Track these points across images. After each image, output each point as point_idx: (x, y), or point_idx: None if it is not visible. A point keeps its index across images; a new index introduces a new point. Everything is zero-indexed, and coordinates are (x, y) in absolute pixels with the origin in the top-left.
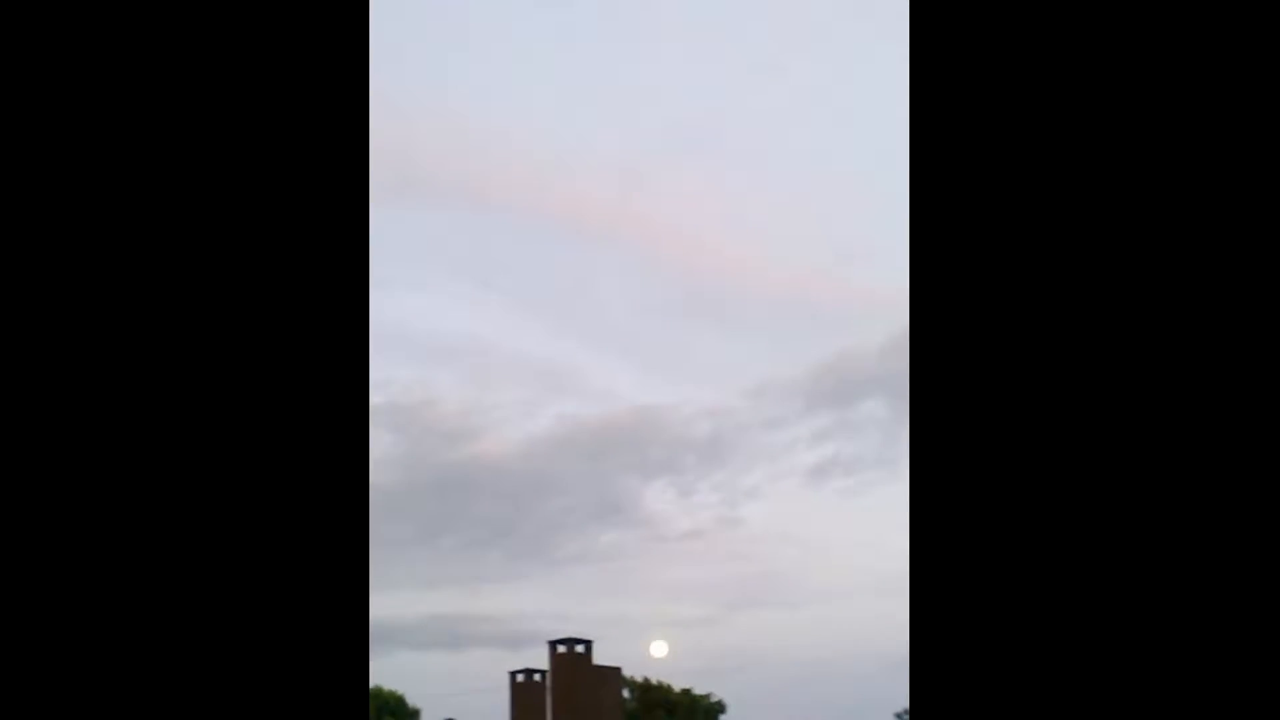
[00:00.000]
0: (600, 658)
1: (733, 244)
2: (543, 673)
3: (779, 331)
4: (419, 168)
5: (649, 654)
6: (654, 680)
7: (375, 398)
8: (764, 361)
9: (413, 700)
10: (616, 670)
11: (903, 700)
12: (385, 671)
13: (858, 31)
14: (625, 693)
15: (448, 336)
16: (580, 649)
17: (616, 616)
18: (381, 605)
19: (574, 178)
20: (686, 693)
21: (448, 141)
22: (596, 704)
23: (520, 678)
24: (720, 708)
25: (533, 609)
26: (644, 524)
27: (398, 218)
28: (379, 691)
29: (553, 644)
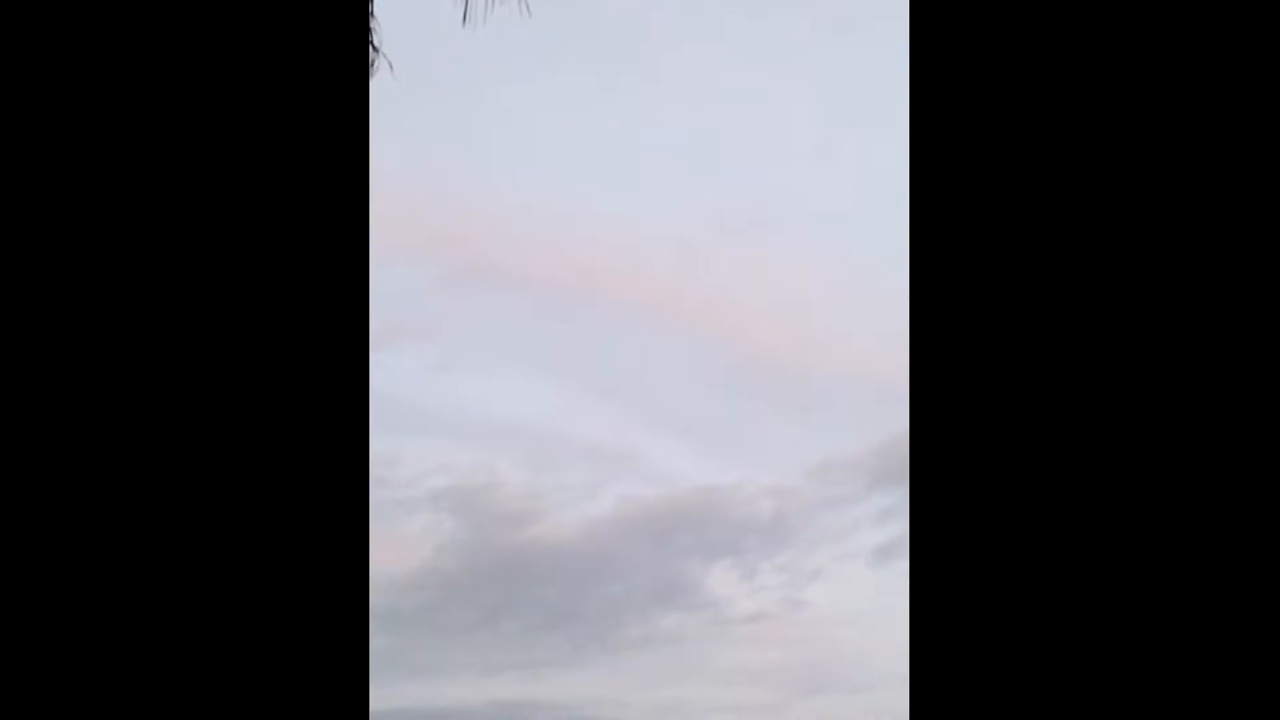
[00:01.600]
0: None
1: (790, 321)
2: None
3: (841, 409)
4: (478, 254)
5: None
6: None
7: (437, 481)
8: (826, 440)
9: None
10: None
11: None
12: None
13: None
14: None
15: (508, 420)
16: None
17: (678, 702)
18: (443, 691)
19: (629, 259)
20: None
21: (506, 227)
22: None
23: None
24: None
25: (594, 694)
26: (707, 607)
27: (458, 303)
28: None
29: None
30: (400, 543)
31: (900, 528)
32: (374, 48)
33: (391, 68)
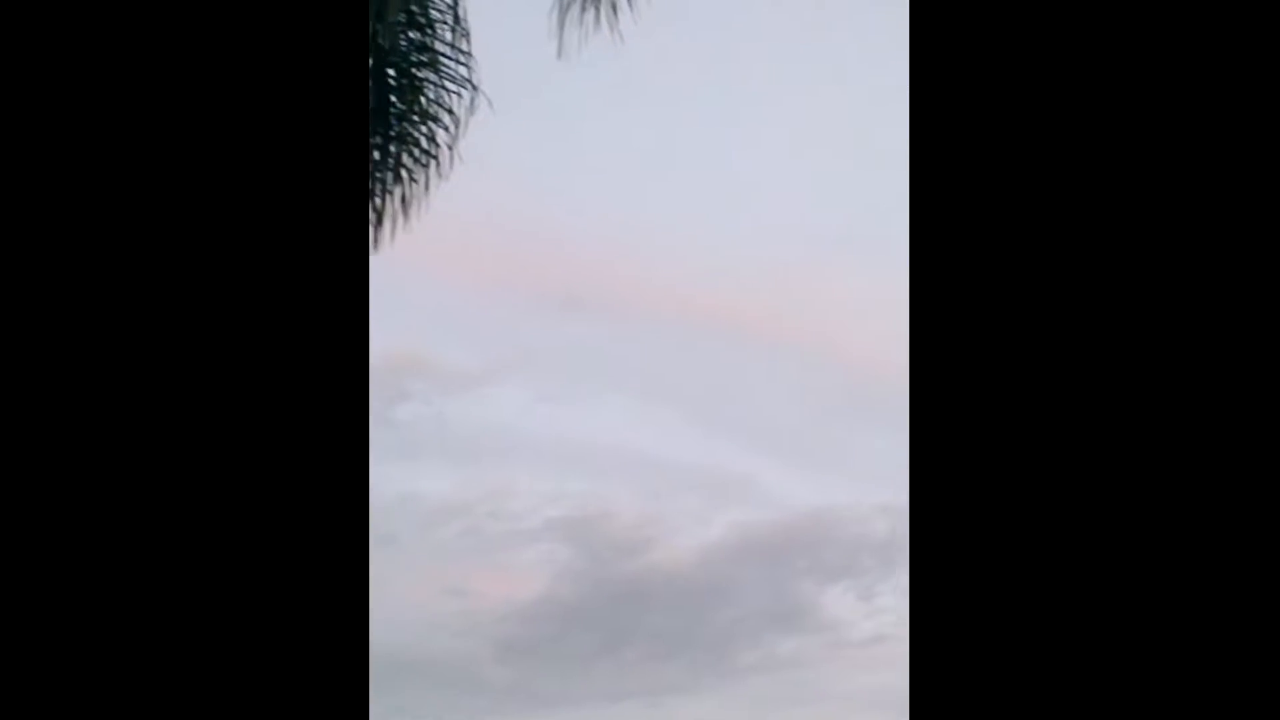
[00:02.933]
0: None
1: (893, 337)
2: None
3: None
4: (580, 284)
5: None
6: None
7: (551, 511)
8: None
9: None
10: None
11: None
12: None
13: None
14: None
15: (618, 448)
16: None
17: None
18: None
19: (729, 280)
20: None
21: (607, 256)
22: None
23: None
24: None
25: None
26: (825, 630)
27: (562, 334)
28: None
29: None
30: (518, 574)
31: None
32: (473, 86)
33: (490, 104)
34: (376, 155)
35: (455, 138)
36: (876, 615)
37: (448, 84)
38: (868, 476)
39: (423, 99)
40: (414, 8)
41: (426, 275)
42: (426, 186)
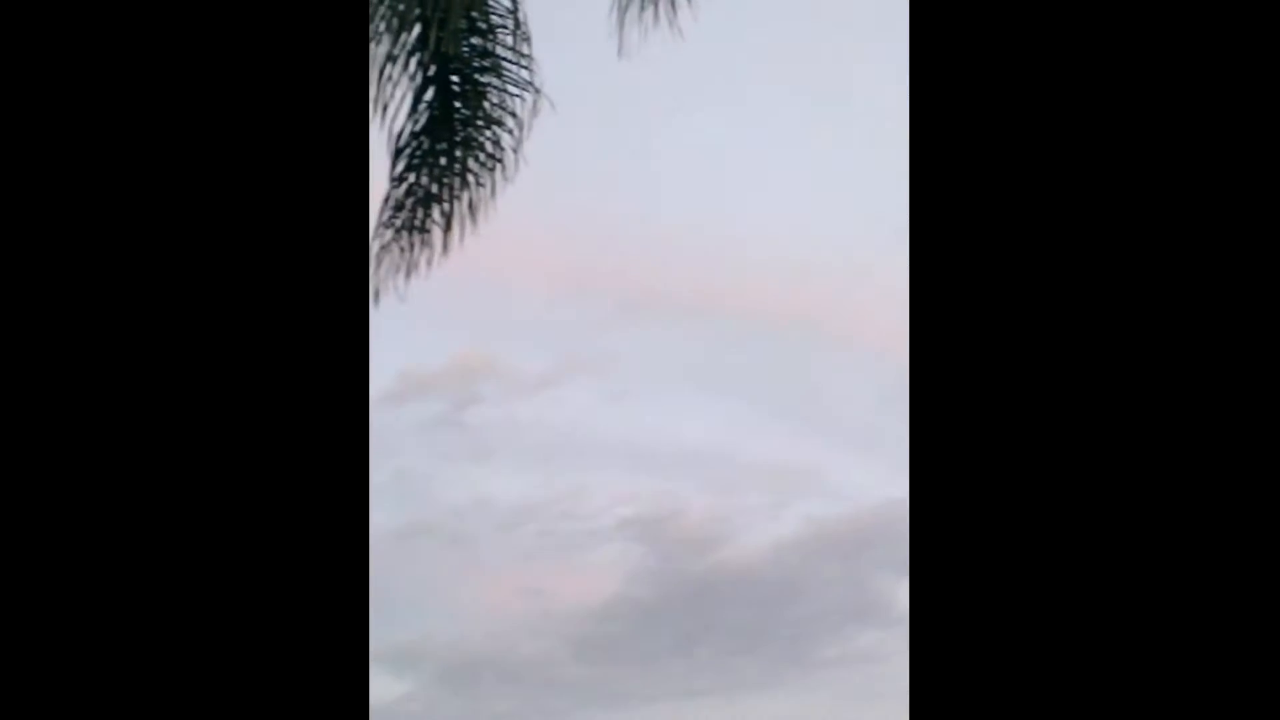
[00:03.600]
0: None
1: None
2: None
3: None
4: (645, 284)
5: None
6: None
7: (624, 511)
8: None
9: None
10: None
11: None
12: None
13: None
14: None
15: (688, 446)
16: None
17: None
18: (644, 719)
19: (796, 277)
20: None
21: (671, 255)
22: None
23: None
24: None
25: (792, 715)
26: (902, 622)
27: (629, 334)
28: None
29: None
30: (592, 573)
31: None
32: (535, 89)
33: (553, 105)
34: (442, 161)
35: (519, 141)
36: None
37: (510, 88)
38: None
39: (486, 104)
40: (474, 14)
41: (494, 279)
42: (493, 190)
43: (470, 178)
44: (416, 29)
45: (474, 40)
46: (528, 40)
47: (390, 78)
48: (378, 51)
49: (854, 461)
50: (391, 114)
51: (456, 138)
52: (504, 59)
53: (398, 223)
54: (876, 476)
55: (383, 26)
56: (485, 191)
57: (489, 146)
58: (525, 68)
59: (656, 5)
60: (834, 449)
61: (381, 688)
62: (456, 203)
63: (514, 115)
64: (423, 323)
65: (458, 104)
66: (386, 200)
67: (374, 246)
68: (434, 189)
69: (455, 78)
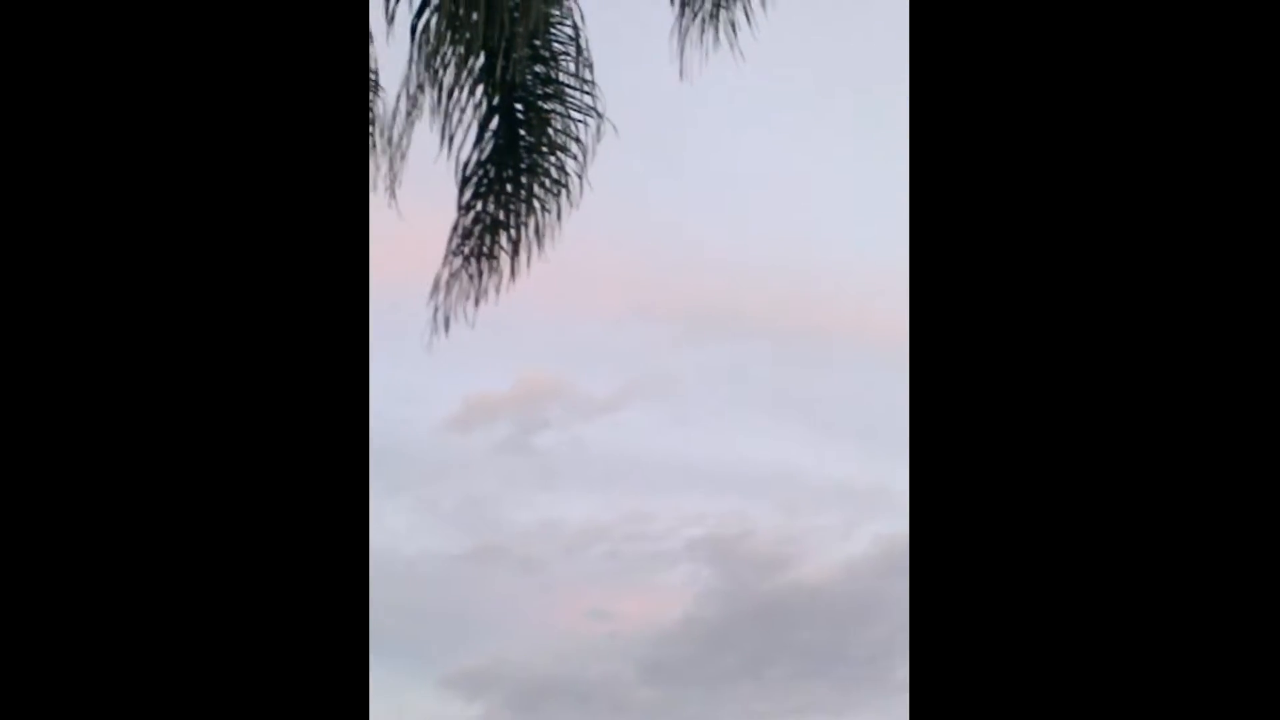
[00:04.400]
0: None
1: None
2: None
3: None
4: (709, 305)
5: None
6: None
7: (693, 532)
8: None
9: None
10: None
11: None
12: None
13: None
14: None
15: (755, 466)
16: None
17: None
18: None
19: (858, 296)
20: None
21: (732, 276)
22: None
23: None
24: None
25: None
26: None
27: (697, 356)
28: None
29: None
30: (661, 595)
31: None
32: (598, 114)
33: (616, 130)
34: (509, 188)
35: (584, 166)
36: None
37: (574, 114)
38: None
39: (550, 130)
40: (537, 42)
41: (561, 303)
42: (558, 216)
43: (536, 204)
44: (481, 59)
45: (537, 68)
46: (590, 67)
47: (457, 105)
48: (444, 81)
49: None
50: (458, 143)
51: (522, 165)
52: (567, 86)
53: (465, 250)
54: None
55: (448, 57)
56: (551, 217)
57: (554, 172)
58: (588, 94)
59: (717, 28)
60: (903, 467)
61: (454, 711)
62: (523, 229)
63: (578, 141)
64: (490, 348)
65: (522, 131)
66: (454, 228)
67: (443, 274)
68: (501, 216)
69: (519, 106)
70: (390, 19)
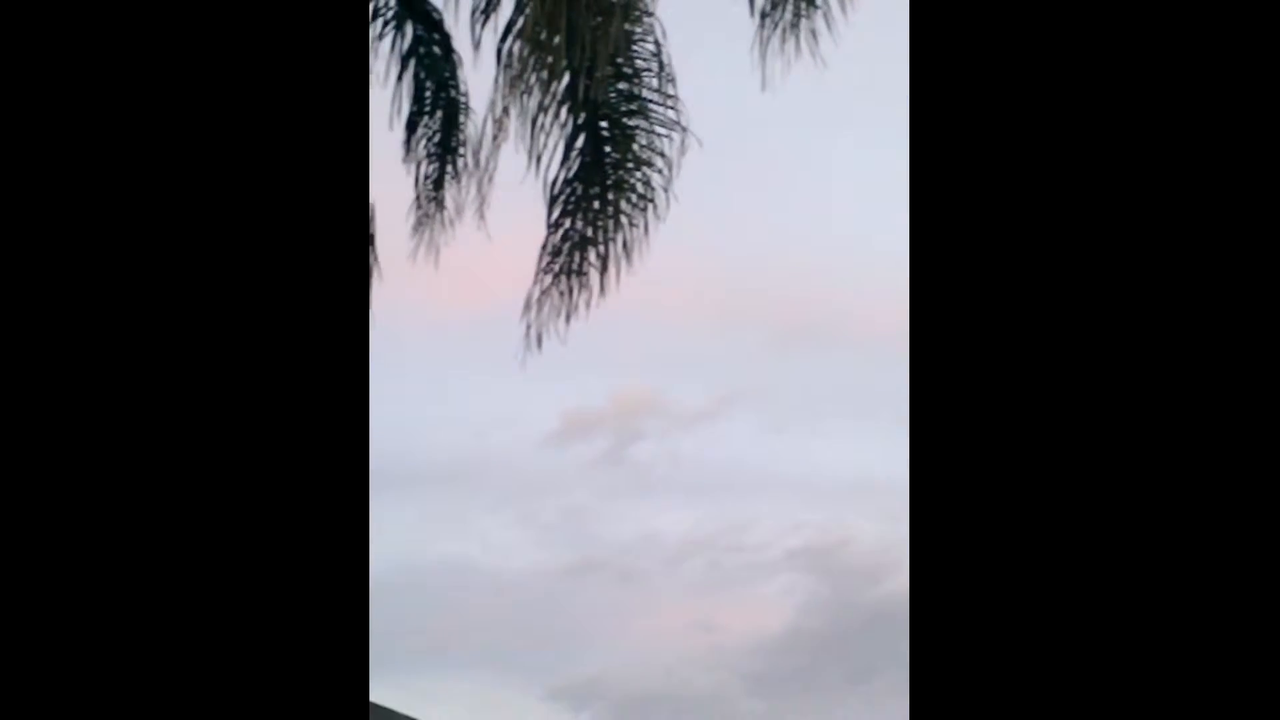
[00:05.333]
0: None
1: None
2: None
3: None
4: (799, 313)
5: None
6: None
7: (792, 542)
8: None
9: None
10: None
11: None
12: None
13: None
14: None
15: (854, 474)
16: None
17: None
18: None
19: None
20: None
21: (822, 283)
22: None
23: None
24: None
25: None
26: None
27: (789, 364)
28: None
29: None
30: (763, 606)
31: None
32: (681, 128)
33: (700, 143)
34: (596, 205)
35: (669, 180)
36: None
37: (658, 129)
38: None
39: (635, 146)
40: (620, 60)
41: (651, 316)
42: (645, 230)
43: (623, 219)
44: (565, 79)
45: (620, 85)
46: (672, 81)
47: (543, 128)
48: (529, 104)
49: None
50: (545, 163)
51: (608, 181)
52: (650, 101)
53: (555, 267)
54: None
55: (532, 80)
56: (638, 231)
57: (640, 188)
58: (671, 108)
59: (798, 36)
60: None
61: None
62: (611, 244)
63: (662, 155)
64: (584, 364)
65: (608, 148)
66: (544, 247)
67: (534, 292)
68: (589, 232)
69: (604, 123)
70: (476, 45)
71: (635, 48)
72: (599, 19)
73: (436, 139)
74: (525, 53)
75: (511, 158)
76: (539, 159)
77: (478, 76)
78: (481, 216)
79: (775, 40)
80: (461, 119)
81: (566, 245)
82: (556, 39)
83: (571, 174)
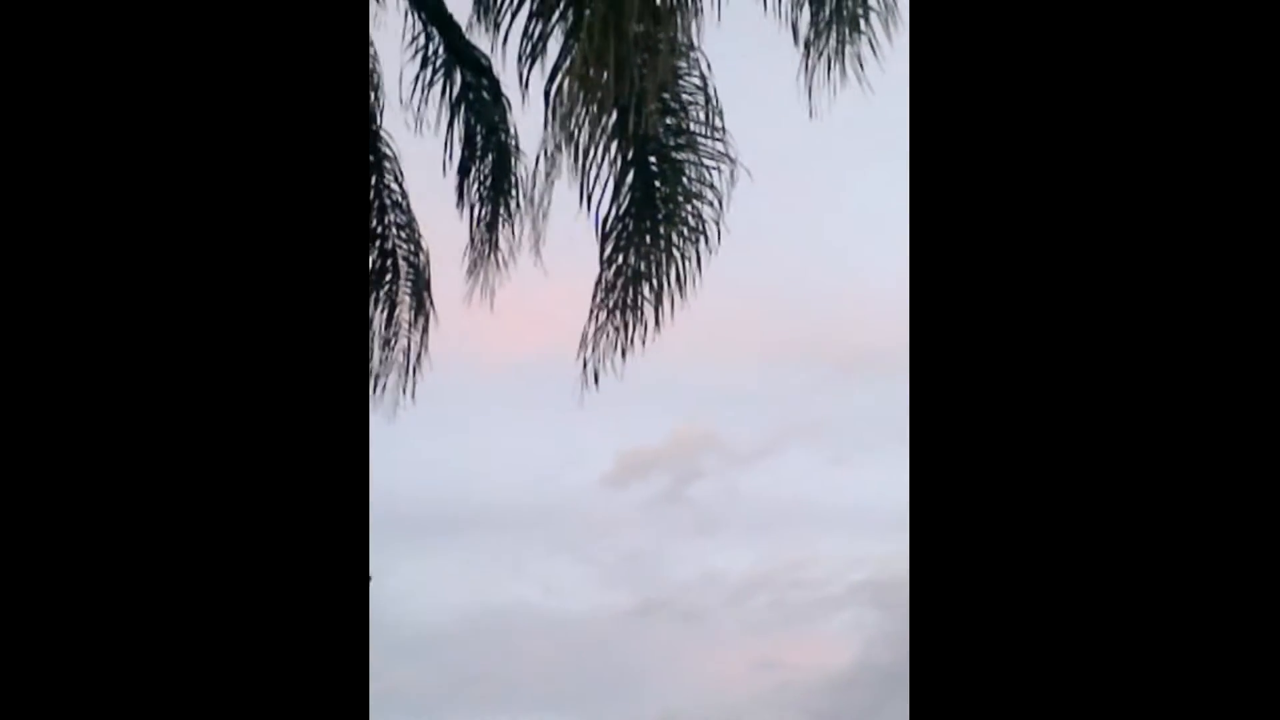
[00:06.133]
0: None
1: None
2: None
3: None
4: (855, 344)
5: None
6: None
7: (855, 575)
8: None
9: None
10: None
11: None
12: None
13: None
14: None
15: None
16: None
17: None
18: None
19: None
20: None
21: (871, 312)
22: None
23: None
24: None
25: None
26: None
27: (845, 396)
28: None
29: None
30: (828, 642)
31: None
32: (730, 159)
33: (749, 174)
34: (648, 239)
35: (720, 212)
36: None
37: (706, 161)
38: None
39: (685, 179)
40: (666, 95)
41: (706, 351)
42: (698, 263)
43: (675, 253)
44: (613, 116)
45: (668, 120)
46: (720, 113)
47: (593, 164)
48: (580, 140)
49: None
50: (597, 199)
51: (659, 215)
52: (698, 134)
53: (610, 303)
54: None
55: (581, 117)
56: (690, 265)
57: (691, 220)
58: (719, 140)
59: (844, 63)
60: None
61: None
62: (664, 278)
63: (712, 188)
64: (639, 399)
65: (658, 183)
66: (598, 283)
67: (589, 328)
68: (641, 267)
69: (653, 158)
70: (525, 85)
71: (682, 81)
72: (646, 55)
73: (489, 182)
74: (574, 90)
75: (564, 194)
76: (590, 196)
77: (527, 120)
78: (538, 253)
79: (820, 70)
80: (512, 161)
81: (620, 280)
82: (605, 75)
83: (623, 209)
